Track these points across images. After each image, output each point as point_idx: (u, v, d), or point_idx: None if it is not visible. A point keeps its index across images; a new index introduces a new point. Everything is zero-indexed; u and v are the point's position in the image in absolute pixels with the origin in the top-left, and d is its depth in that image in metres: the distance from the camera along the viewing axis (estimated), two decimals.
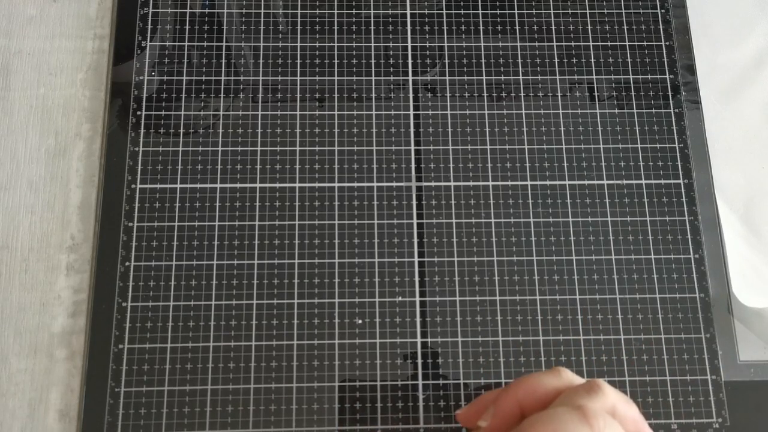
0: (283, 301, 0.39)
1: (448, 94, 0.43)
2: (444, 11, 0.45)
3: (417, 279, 0.40)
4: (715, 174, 0.42)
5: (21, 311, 0.39)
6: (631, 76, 0.44)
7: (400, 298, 0.39)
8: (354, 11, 0.45)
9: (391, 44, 0.44)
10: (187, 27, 0.44)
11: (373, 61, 0.44)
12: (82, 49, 0.43)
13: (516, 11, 0.45)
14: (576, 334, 0.39)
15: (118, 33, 0.44)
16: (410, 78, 0.43)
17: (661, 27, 0.45)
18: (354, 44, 0.44)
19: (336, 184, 0.41)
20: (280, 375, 0.38)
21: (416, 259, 0.40)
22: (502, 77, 0.44)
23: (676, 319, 0.39)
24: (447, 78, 0.43)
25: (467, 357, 0.38)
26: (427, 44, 0.44)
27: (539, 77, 0.44)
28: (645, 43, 0.45)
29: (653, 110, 0.43)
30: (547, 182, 0.42)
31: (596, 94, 0.43)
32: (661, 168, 0.42)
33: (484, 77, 0.44)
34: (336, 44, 0.44)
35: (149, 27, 0.44)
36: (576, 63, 0.44)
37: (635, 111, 0.43)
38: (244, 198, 0.41)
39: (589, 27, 0.45)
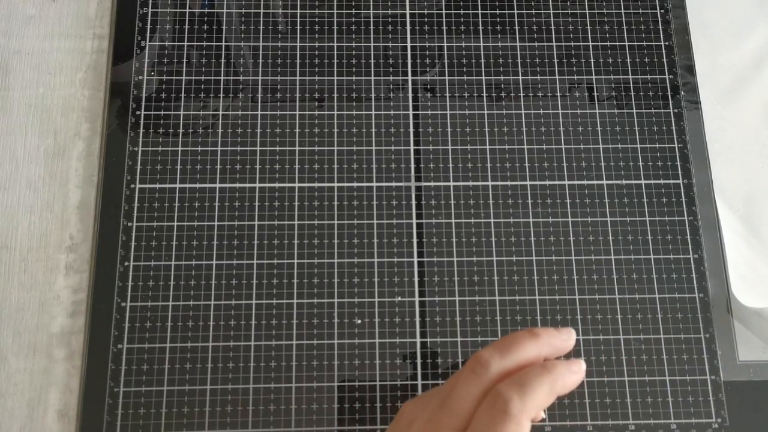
0: (282, 301, 0.39)
1: (447, 95, 0.43)
2: (443, 11, 0.45)
3: (416, 279, 0.40)
4: (714, 174, 0.42)
5: (20, 311, 0.39)
6: (630, 77, 0.44)
7: (399, 298, 0.39)
8: (353, 11, 0.45)
9: (390, 44, 0.44)
10: (186, 27, 0.44)
11: (372, 61, 0.44)
12: (81, 49, 0.43)
13: (516, 11, 0.45)
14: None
15: (118, 33, 0.44)
16: (410, 78, 0.43)
17: (660, 27, 0.45)
18: (353, 44, 0.44)
19: (335, 184, 0.41)
20: (279, 375, 0.38)
21: (416, 259, 0.40)
22: (502, 77, 0.44)
23: (675, 319, 0.39)
24: (446, 78, 0.43)
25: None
26: (427, 44, 0.44)
27: (539, 77, 0.44)
28: (645, 44, 0.45)
29: (653, 110, 0.43)
30: (547, 182, 0.41)
31: (596, 94, 0.43)
32: (661, 168, 0.42)
33: (483, 77, 0.44)
34: (335, 44, 0.44)
35: (149, 27, 0.44)
36: (576, 63, 0.44)
37: (635, 111, 0.43)
38: (243, 198, 0.41)
39: (589, 27, 0.45)
